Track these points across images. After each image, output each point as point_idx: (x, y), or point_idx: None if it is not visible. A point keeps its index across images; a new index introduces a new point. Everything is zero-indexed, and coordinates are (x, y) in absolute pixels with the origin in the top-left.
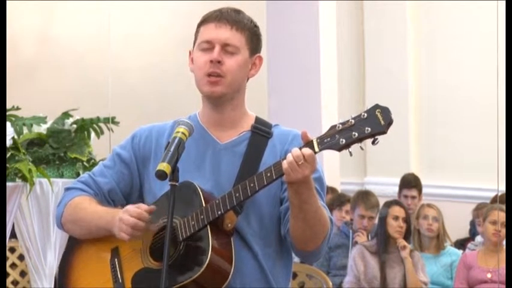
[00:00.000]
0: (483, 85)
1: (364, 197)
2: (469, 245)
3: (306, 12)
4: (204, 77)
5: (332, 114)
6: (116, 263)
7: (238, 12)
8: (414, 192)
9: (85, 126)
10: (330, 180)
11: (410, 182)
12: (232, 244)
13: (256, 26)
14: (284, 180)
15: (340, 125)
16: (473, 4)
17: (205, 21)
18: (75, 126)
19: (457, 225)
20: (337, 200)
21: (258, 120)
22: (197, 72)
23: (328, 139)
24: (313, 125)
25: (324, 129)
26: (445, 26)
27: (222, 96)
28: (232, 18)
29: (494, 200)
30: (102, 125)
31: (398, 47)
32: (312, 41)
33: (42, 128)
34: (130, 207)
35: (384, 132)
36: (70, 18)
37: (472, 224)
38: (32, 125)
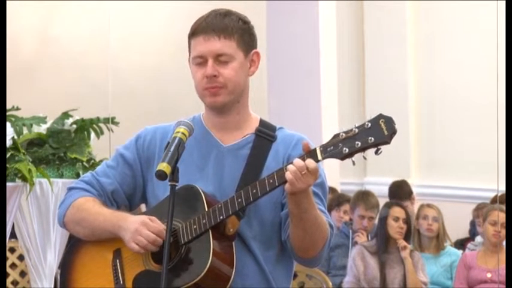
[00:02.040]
0: (483, 85)
1: (364, 197)
2: (469, 245)
3: (306, 12)
4: (204, 90)
5: (332, 114)
6: (118, 264)
7: (224, 15)
8: (404, 203)
9: (85, 127)
10: (330, 181)
11: (396, 197)
12: (234, 248)
13: (245, 23)
14: (286, 190)
15: (344, 134)
16: (473, 4)
17: (194, 33)
18: (75, 126)
19: (457, 225)
20: (336, 200)
21: (262, 123)
22: (196, 86)
23: (331, 148)
24: (313, 125)
25: (324, 130)
26: (445, 26)
27: (225, 104)
28: (218, 26)
29: (494, 200)
30: (102, 125)
31: (398, 47)
32: (312, 41)
33: (42, 128)
34: (147, 221)
35: (387, 143)
36: (70, 18)
37: (472, 224)
38: (31, 125)
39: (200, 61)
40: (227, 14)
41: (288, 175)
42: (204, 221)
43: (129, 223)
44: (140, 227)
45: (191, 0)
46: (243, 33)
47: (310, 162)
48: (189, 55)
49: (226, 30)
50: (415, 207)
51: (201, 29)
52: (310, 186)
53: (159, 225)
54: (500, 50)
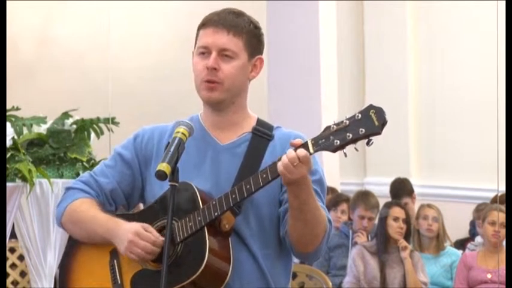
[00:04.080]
0: (483, 85)
1: (364, 197)
2: (469, 245)
3: (306, 12)
4: (202, 83)
5: (332, 114)
6: (115, 264)
7: (237, 14)
8: (405, 200)
9: (85, 127)
10: (330, 181)
11: (397, 194)
12: (231, 245)
13: (256, 28)
14: (282, 182)
15: (335, 126)
16: (473, 4)
17: (204, 25)
18: (75, 126)
19: (457, 225)
20: (333, 200)
21: (259, 122)
22: (195, 77)
23: (323, 140)
24: (313, 125)
25: None
26: (445, 26)
27: (220, 101)
28: (229, 22)
29: (494, 200)
30: (102, 125)
31: (398, 47)
32: (312, 41)
33: (42, 128)
34: (141, 231)
35: (378, 133)
36: (70, 18)
37: (472, 224)
38: (31, 125)
39: (204, 51)
40: (240, 14)
41: (280, 167)
42: (199, 218)
43: (122, 232)
44: (135, 239)
45: (191, 0)
46: (252, 35)
47: (300, 151)
48: (195, 46)
49: (236, 27)
50: (415, 207)
51: (212, 22)
52: (304, 175)
53: (152, 234)
54: (500, 50)
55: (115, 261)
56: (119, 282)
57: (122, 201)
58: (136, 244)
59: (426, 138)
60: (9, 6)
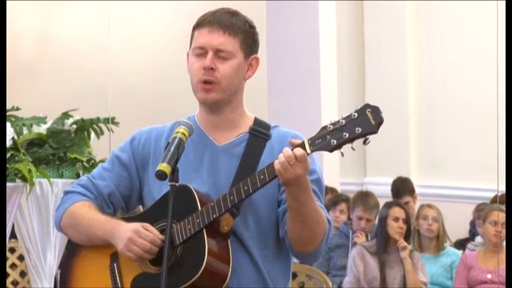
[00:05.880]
0: (483, 85)
1: (363, 198)
2: (469, 245)
3: (306, 12)
4: (199, 84)
5: (332, 114)
6: (115, 268)
7: (232, 14)
8: (407, 198)
9: (85, 127)
10: (330, 181)
11: (399, 192)
12: (230, 246)
13: (251, 27)
14: (280, 183)
15: (331, 126)
16: (473, 4)
17: (199, 25)
18: (75, 126)
19: (457, 225)
20: (332, 200)
21: (256, 121)
22: (192, 77)
23: (320, 140)
24: (313, 125)
25: None
26: (444, 26)
27: (216, 102)
28: (225, 22)
29: (494, 200)
30: (102, 125)
31: (398, 47)
32: (312, 41)
33: (42, 128)
34: (141, 230)
35: (375, 132)
36: (70, 18)
37: (472, 224)
38: (31, 125)
39: (200, 52)
40: (235, 13)
41: (276, 165)
42: (198, 220)
43: (122, 231)
44: (134, 236)
45: (191, 0)
46: (247, 35)
47: (297, 150)
48: (190, 47)
49: (231, 27)
50: (416, 206)
51: (207, 21)
52: (300, 175)
53: (152, 233)
54: (500, 50)
55: (115, 264)
56: (119, 285)
57: (120, 204)
58: (135, 242)
59: (426, 138)
60: (9, 6)
